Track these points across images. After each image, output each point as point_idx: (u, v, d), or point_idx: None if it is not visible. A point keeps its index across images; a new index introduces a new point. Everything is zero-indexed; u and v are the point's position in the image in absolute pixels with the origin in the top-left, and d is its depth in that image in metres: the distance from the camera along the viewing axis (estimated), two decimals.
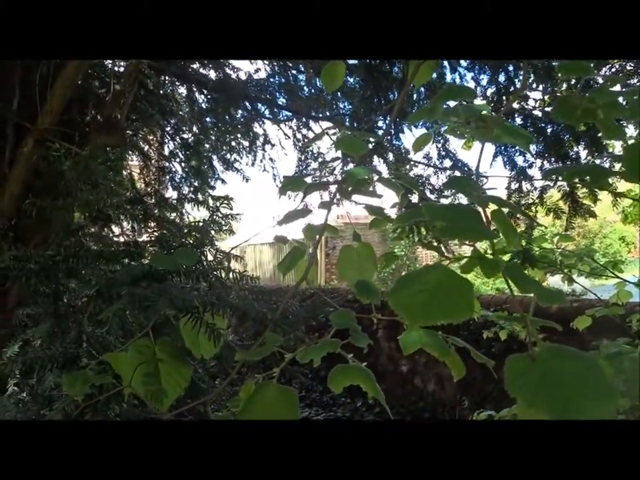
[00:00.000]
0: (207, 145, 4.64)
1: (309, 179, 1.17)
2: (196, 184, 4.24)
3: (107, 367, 1.03)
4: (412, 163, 4.24)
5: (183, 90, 4.50)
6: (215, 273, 1.42)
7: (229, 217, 2.64)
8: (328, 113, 4.83)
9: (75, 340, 1.39)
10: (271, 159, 5.11)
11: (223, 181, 4.77)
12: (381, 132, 4.09)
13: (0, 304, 1.86)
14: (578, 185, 3.69)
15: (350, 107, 4.86)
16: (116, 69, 3.04)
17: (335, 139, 1.25)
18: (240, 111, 4.63)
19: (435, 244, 3.21)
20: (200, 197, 3.90)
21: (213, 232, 2.15)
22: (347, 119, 4.74)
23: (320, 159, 4.80)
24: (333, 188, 1.11)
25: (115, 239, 2.47)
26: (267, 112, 4.74)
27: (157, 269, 1.28)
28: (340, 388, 0.78)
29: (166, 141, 4.48)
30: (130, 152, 3.25)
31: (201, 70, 4.29)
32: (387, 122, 4.16)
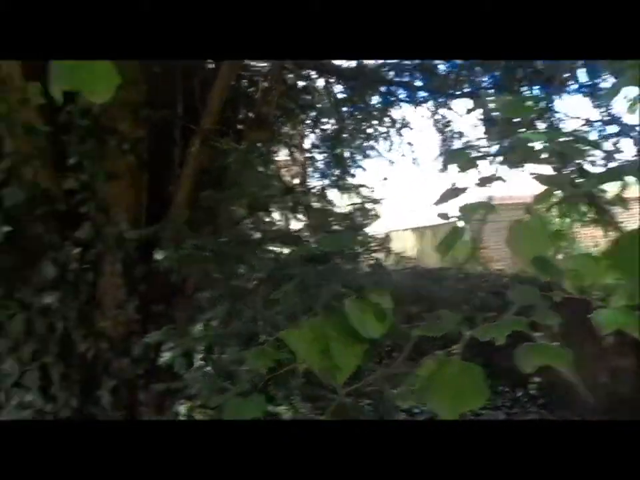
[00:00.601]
0: (346, 135, 4.71)
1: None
2: (338, 172, 4.33)
3: (281, 345, 1.10)
4: (581, 124, 3.82)
5: (320, 82, 4.62)
6: (372, 255, 1.44)
7: (373, 201, 2.66)
8: (467, 89, 4.60)
9: (251, 320, 1.51)
10: (409, 143, 5.03)
11: (363, 168, 4.81)
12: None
13: (180, 290, 2.09)
14: None
15: (490, 80, 4.58)
16: (260, 69, 3.22)
17: (495, 104, 1.18)
18: (377, 97, 4.62)
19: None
20: (343, 184, 3.98)
21: (361, 217, 2.18)
22: (489, 93, 4.47)
23: (462, 139, 4.59)
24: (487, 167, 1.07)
25: (271, 227, 2.62)
26: (403, 95, 4.66)
27: (319, 253, 1.33)
28: (531, 368, 0.73)
29: (307, 133, 4.64)
30: (278, 146, 3.42)
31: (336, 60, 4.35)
32: (542, 89, 3.84)
